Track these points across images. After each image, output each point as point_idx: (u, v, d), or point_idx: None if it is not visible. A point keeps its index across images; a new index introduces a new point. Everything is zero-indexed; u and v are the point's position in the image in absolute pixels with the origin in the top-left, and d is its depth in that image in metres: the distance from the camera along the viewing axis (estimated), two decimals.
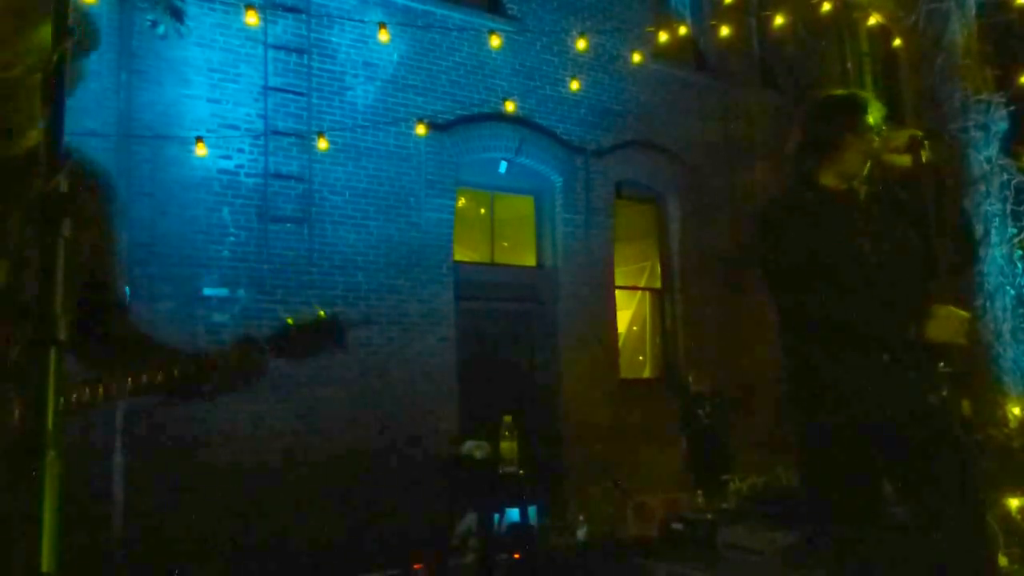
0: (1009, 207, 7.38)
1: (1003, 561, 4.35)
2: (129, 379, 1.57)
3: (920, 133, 2.47)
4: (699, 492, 7.34)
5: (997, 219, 7.34)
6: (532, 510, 6.47)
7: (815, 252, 2.44)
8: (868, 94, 2.67)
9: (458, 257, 7.96)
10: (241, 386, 1.70)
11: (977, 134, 7.35)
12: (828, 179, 2.58)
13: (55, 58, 0.89)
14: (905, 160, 2.46)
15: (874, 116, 2.53)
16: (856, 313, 2.40)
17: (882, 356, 2.37)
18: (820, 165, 2.58)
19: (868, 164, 2.52)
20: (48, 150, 0.87)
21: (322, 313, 1.79)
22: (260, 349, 1.71)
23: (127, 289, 1.75)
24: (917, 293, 2.41)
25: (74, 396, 1.48)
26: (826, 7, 7.75)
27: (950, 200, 2.55)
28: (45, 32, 1.37)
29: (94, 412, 1.57)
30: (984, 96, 7.43)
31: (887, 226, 2.50)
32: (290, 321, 1.76)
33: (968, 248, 2.60)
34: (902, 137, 2.49)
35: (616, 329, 9.07)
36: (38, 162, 1.42)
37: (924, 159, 2.42)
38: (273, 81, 7.04)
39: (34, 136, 1.46)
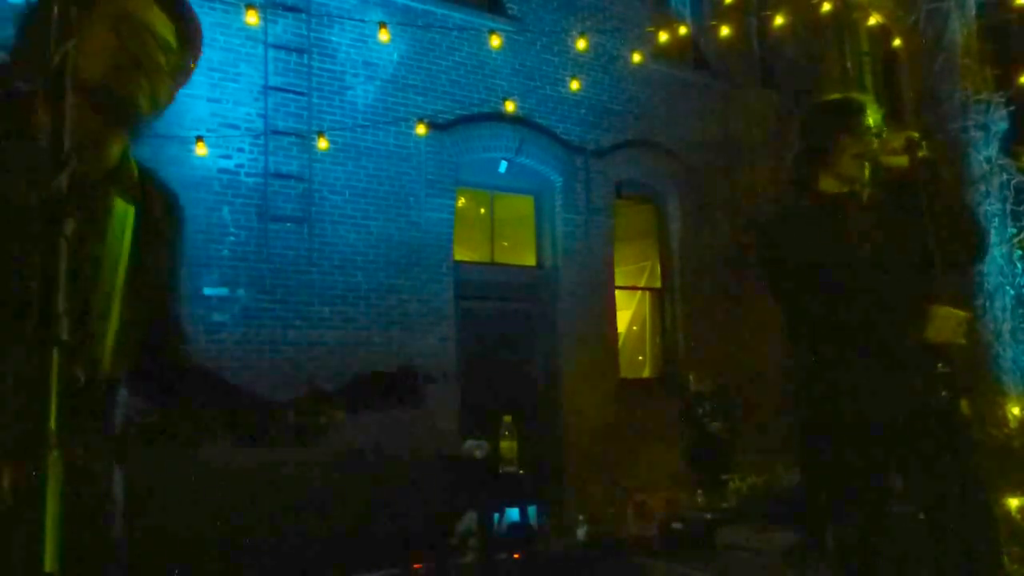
0: (1009, 207, 7.38)
1: (1004, 560, 4.35)
2: (194, 424, 1.55)
3: (916, 134, 2.47)
4: (699, 492, 7.34)
5: (997, 219, 7.35)
6: (532, 510, 6.48)
7: (815, 257, 2.44)
8: (866, 96, 2.67)
9: (458, 257, 7.96)
10: (308, 440, 1.66)
11: (977, 134, 7.36)
12: (827, 183, 2.57)
13: (57, 59, 0.88)
14: (902, 161, 2.45)
15: (873, 118, 2.53)
16: (857, 316, 2.40)
17: (883, 357, 2.37)
18: (818, 170, 2.58)
19: (868, 166, 2.52)
20: (51, 149, 0.86)
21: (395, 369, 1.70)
22: (330, 403, 1.65)
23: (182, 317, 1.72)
24: (917, 294, 2.41)
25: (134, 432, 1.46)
26: (826, 7, 7.75)
27: (951, 198, 2.54)
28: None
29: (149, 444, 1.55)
30: (984, 96, 7.44)
31: (888, 228, 2.50)
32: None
33: (972, 245, 2.58)
34: (899, 139, 2.49)
35: (616, 329, 9.08)
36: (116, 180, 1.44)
37: (920, 157, 2.42)
38: (273, 80, 7.04)
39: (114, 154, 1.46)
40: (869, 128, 2.51)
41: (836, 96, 2.71)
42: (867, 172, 2.52)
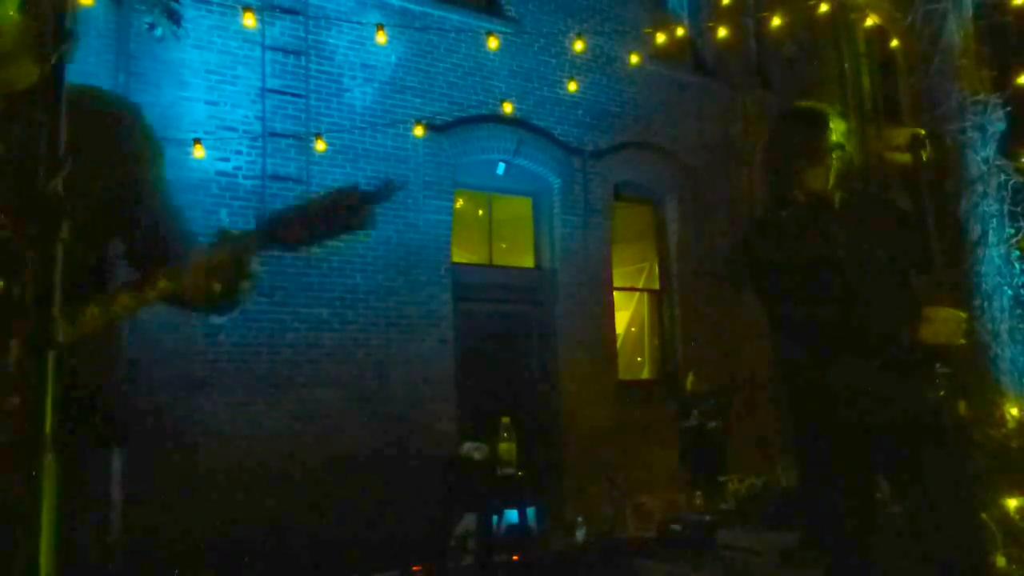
0: (1007, 207, 7.38)
1: (1001, 561, 4.35)
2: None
3: (923, 132, 2.46)
4: (698, 493, 7.35)
5: (995, 219, 7.34)
6: (530, 511, 6.48)
7: (797, 264, 2.45)
8: (827, 108, 2.63)
9: (456, 259, 7.96)
10: (226, 298, 1.50)
11: (974, 135, 7.35)
12: (799, 195, 2.59)
13: (54, 60, 0.88)
14: (905, 158, 2.46)
15: (835, 131, 2.51)
16: (844, 318, 2.39)
17: (873, 359, 2.37)
18: (788, 185, 2.59)
19: (832, 175, 2.51)
20: (47, 151, 0.86)
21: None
22: (243, 244, 1.44)
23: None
24: (906, 294, 2.41)
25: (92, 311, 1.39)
26: (823, 8, 7.76)
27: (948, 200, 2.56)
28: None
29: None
30: (981, 97, 7.43)
31: (866, 230, 2.50)
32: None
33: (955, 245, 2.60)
34: (903, 135, 2.49)
35: (614, 330, 9.07)
36: None
37: (925, 158, 2.42)
38: (271, 83, 7.03)
39: None
40: (829, 148, 2.49)
41: (798, 108, 2.70)
42: (832, 180, 2.50)
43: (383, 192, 1.43)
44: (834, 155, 2.49)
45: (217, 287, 1.45)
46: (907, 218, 2.47)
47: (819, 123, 2.54)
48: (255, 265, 1.47)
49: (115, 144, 1.58)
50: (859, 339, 2.39)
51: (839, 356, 2.41)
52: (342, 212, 1.42)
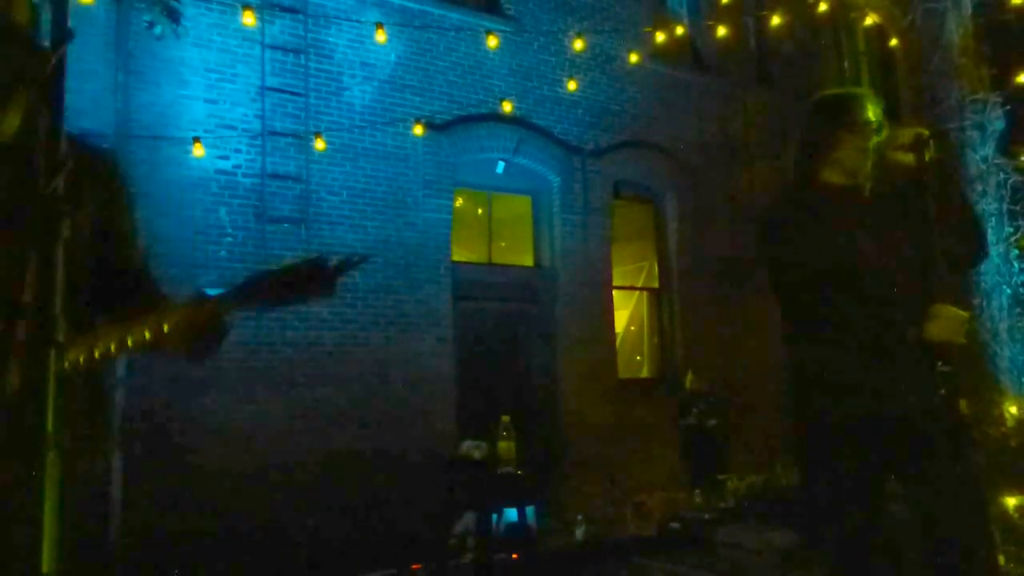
0: (1005, 206, 7.40)
1: (1000, 559, 4.36)
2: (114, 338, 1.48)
3: (927, 132, 2.45)
4: (697, 491, 7.35)
5: (993, 218, 7.37)
6: (530, 510, 6.47)
7: (817, 251, 2.43)
8: (864, 90, 2.66)
9: (456, 257, 7.96)
10: (201, 351, 1.65)
11: (973, 133, 7.38)
12: (830, 175, 2.55)
13: (54, 60, 0.89)
14: (909, 158, 2.44)
15: (872, 111, 2.52)
16: (857, 312, 2.39)
17: (882, 355, 2.37)
18: (820, 163, 2.57)
19: (870, 159, 2.50)
20: (47, 151, 0.86)
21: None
22: (219, 304, 1.60)
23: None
24: (918, 292, 2.40)
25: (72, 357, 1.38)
26: (823, 7, 7.76)
27: (956, 198, 2.53)
28: None
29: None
30: (980, 95, 7.45)
31: (890, 224, 2.48)
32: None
33: (973, 247, 2.58)
34: (908, 135, 2.47)
35: (614, 329, 9.08)
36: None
37: (928, 158, 2.41)
38: (270, 81, 7.03)
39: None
40: (869, 122, 2.50)
41: (834, 92, 2.70)
42: (869, 164, 2.50)
43: (351, 264, 1.59)
44: (872, 137, 2.48)
45: (193, 341, 1.60)
46: (926, 215, 2.45)
47: (853, 102, 2.56)
48: (228, 323, 1.64)
49: (101, 190, 1.68)
50: (873, 336, 2.38)
51: (851, 352, 2.39)
52: (310, 281, 1.60)
